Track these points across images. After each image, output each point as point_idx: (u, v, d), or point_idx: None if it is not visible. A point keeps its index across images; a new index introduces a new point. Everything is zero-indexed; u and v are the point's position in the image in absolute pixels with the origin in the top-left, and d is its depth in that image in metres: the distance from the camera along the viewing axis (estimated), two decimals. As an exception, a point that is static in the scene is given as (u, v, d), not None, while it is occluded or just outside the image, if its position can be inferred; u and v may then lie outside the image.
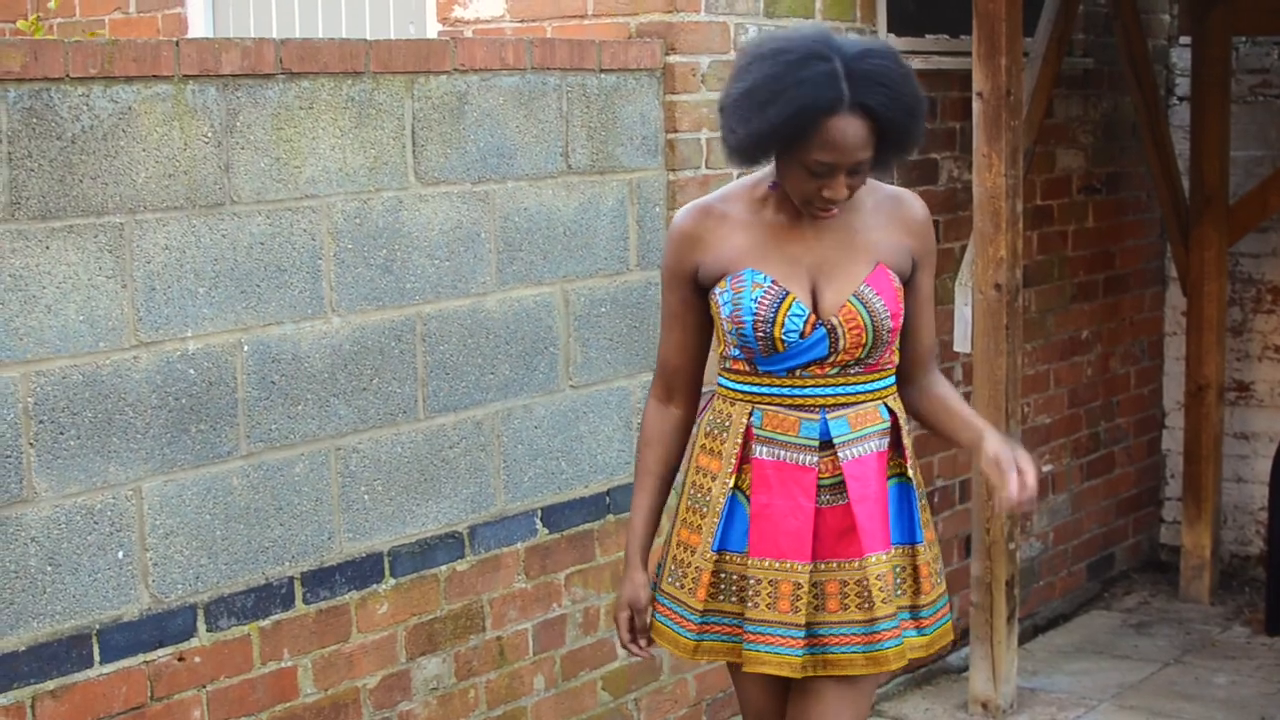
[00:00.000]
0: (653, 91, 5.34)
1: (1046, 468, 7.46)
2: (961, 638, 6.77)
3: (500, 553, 5.00)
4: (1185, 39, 7.89)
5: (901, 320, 3.81)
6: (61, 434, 3.94)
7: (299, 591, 4.48)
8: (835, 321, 3.72)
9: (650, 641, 3.99)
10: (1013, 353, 6.18)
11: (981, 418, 3.98)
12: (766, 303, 3.71)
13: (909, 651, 3.85)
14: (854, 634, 3.79)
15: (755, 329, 3.72)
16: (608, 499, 5.29)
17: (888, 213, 3.83)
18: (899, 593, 3.84)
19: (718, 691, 5.71)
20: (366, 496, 4.62)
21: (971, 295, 6.19)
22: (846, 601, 3.78)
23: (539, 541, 5.12)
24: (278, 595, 4.43)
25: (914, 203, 3.91)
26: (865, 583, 3.77)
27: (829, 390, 3.78)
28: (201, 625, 4.26)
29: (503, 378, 4.95)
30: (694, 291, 3.86)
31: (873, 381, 3.81)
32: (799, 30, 3.73)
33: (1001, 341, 6.15)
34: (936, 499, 6.75)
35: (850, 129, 3.55)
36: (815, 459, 3.77)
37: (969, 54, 6.11)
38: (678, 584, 3.89)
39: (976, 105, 6.06)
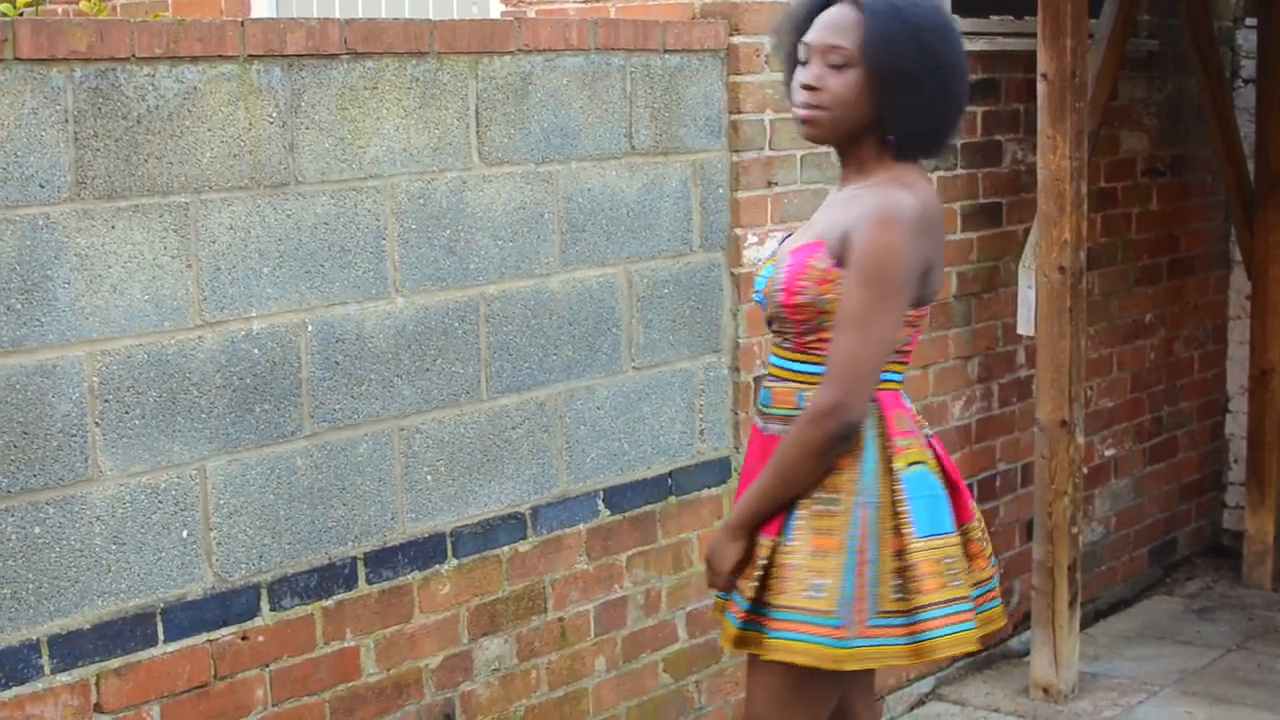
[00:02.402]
0: (716, 72, 5.32)
1: (1109, 452, 7.42)
2: (1023, 622, 6.75)
3: (562, 534, 5.00)
4: (1251, 21, 7.82)
5: (798, 300, 3.72)
6: (126, 413, 3.96)
7: (362, 571, 4.48)
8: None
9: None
10: (1076, 336, 6.15)
11: (746, 498, 3.82)
12: (759, 268, 3.95)
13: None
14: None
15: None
16: (670, 481, 5.28)
17: (858, 198, 3.74)
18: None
19: (778, 674, 5.69)
20: (429, 477, 4.62)
21: (1035, 278, 6.16)
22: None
23: (601, 523, 5.11)
24: (340, 575, 4.43)
25: (871, 197, 3.71)
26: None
27: (771, 358, 3.91)
28: (265, 605, 4.27)
29: (565, 358, 4.95)
30: None
31: (795, 362, 3.84)
32: None
33: (1065, 324, 6.11)
34: (998, 483, 6.72)
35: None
36: (765, 424, 3.90)
37: (1034, 35, 6.07)
38: None
39: (1041, 87, 6.02)
